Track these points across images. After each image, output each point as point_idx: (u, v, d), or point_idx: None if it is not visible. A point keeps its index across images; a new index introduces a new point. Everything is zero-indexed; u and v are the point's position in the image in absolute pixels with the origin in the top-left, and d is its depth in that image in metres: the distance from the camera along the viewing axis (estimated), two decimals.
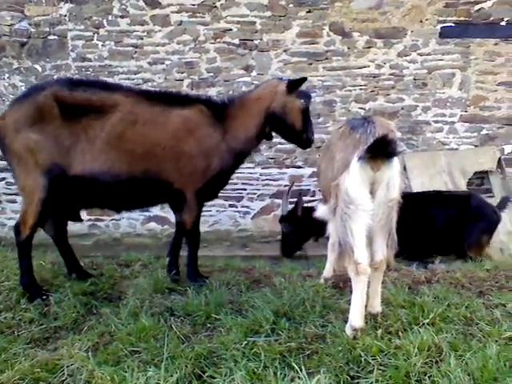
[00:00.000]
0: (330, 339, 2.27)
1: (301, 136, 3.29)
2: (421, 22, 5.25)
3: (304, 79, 3.20)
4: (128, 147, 2.93)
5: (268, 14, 5.17)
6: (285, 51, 5.25)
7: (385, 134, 2.15)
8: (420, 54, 5.31)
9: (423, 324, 2.34)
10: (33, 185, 2.85)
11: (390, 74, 5.34)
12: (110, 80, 5.32)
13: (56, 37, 5.33)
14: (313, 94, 5.21)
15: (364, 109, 5.38)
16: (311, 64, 5.28)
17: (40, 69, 5.38)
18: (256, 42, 5.23)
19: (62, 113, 2.86)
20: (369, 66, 5.32)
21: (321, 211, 2.83)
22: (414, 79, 5.35)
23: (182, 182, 3.06)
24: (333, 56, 5.28)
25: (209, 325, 2.54)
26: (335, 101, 5.39)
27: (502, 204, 4.59)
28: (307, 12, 5.19)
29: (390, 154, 2.18)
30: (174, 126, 3.04)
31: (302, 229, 4.56)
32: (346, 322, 2.35)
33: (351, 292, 2.35)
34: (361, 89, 5.36)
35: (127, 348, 2.21)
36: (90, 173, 2.88)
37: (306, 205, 4.71)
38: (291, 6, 5.17)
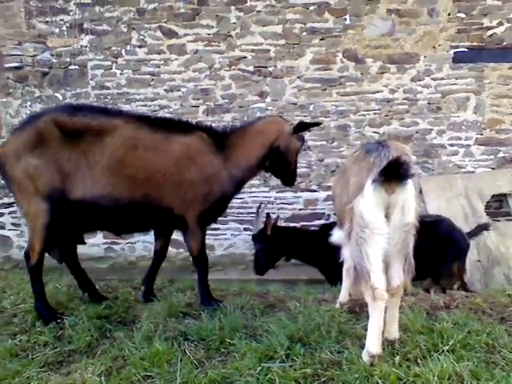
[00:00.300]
0: (347, 366, 2.20)
1: (292, 175, 3.49)
2: (433, 47, 5.29)
3: (317, 124, 3.48)
4: (128, 172, 2.92)
5: (282, 42, 5.29)
6: (299, 77, 5.33)
7: (398, 156, 2.14)
8: (434, 79, 5.33)
9: (443, 351, 2.26)
10: (35, 210, 2.85)
11: (404, 99, 5.36)
12: (127, 107, 5.45)
13: (77, 66, 5.52)
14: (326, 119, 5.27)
15: (378, 133, 5.40)
16: (325, 90, 5.34)
17: (61, 97, 5.56)
18: (270, 68, 5.33)
19: (61, 138, 2.84)
20: (382, 91, 5.36)
21: (336, 236, 2.81)
22: (428, 103, 5.37)
23: (183, 208, 3.06)
24: (346, 81, 5.34)
25: (223, 350, 2.49)
26: (349, 125, 5.42)
27: (476, 231, 4.47)
28: (320, 40, 5.29)
29: (403, 176, 2.15)
30: (176, 152, 3.03)
31: (272, 247, 4.61)
32: (362, 347, 2.29)
33: (367, 317, 2.29)
34: (375, 113, 5.39)
35: (140, 373, 2.18)
36: (91, 197, 2.87)
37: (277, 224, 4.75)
38: (304, 33, 5.28)
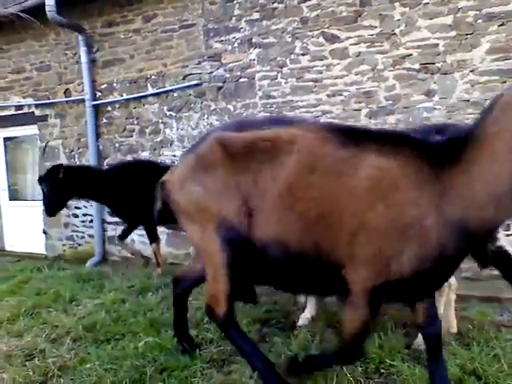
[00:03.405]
0: None
1: None
2: None
3: None
4: (300, 207, 2.08)
5: (452, 33, 4.79)
6: (472, 71, 4.76)
7: None
8: None
9: None
10: (210, 249, 2.31)
11: None
12: (291, 114, 5.62)
13: (246, 79, 5.91)
14: None
15: None
16: (505, 82, 4.66)
17: (232, 108, 6.03)
18: (438, 64, 4.88)
19: (228, 159, 2.28)
20: None
21: None
22: None
23: (351, 267, 2.02)
24: None
25: (382, 371, 2.39)
26: None
27: None
28: (499, 26, 4.63)
29: None
30: (363, 182, 2.01)
31: (61, 187, 4.77)
32: None
33: None
34: None
35: None
36: (261, 241, 2.15)
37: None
38: (480, 21, 4.69)
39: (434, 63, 4.90)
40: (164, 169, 5.25)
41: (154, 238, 5.34)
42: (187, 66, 6.29)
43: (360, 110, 5.30)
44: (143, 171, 5.07)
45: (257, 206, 2.15)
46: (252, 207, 2.18)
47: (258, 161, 2.19)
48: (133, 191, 4.87)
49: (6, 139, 8.11)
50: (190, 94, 6.30)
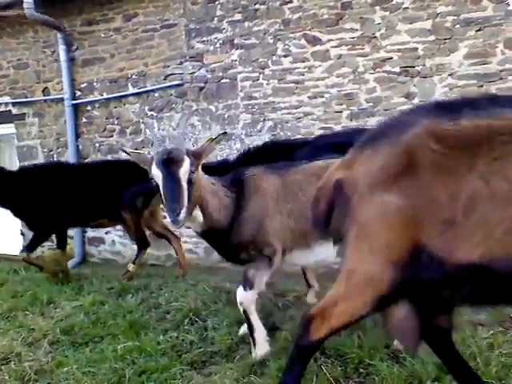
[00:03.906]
0: None
1: None
2: None
3: None
4: None
5: (431, 38, 4.88)
6: (450, 75, 4.86)
7: None
8: None
9: None
10: (371, 274, 1.74)
11: None
12: (272, 116, 5.64)
13: (228, 80, 5.90)
14: None
15: None
16: (481, 86, 4.77)
17: (214, 109, 6.01)
18: (418, 68, 4.97)
19: (441, 159, 1.68)
20: None
21: None
22: None
23: None
24: (508, 75, 4.69)
25: (361, 370, 2.41)
26: None
27: None
28: (477, 31, 4.74)
29: None
30: None
31: None
32: None
33: None
34: None
35: None
36: (494, 258, 1.60)
37: None
38: (458, 26, 4.79)
39: (413, 67, 4.98)
40: (83, 170, 5.21)
41: (63, 244, 5.18)
42: (169, 66, 6.24)
43: (341, 111, 5.35)
44: (59, 175, 4.80)
45: (494, 217, 1.62)
46: (481, 220, 1.63)
47: (489, 159, 1.64)
48: (44, 197, 4.57)
49: None
50: (171, 94, 6.26)
